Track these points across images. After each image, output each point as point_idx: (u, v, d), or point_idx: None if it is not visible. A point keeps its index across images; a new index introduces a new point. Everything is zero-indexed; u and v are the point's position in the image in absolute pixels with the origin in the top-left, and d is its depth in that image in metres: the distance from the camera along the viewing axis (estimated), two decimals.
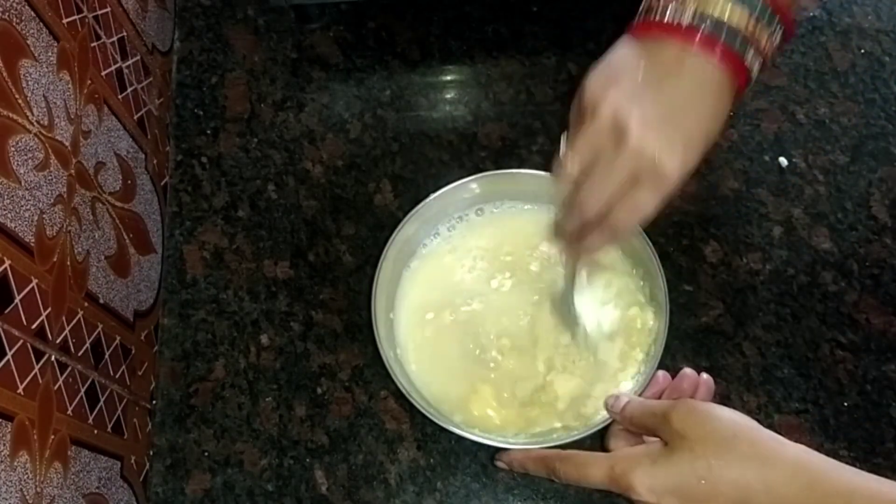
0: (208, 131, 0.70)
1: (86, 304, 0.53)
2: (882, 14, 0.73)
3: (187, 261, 0.66)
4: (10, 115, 0.45)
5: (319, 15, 0.73)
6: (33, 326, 0.46)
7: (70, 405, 0.49)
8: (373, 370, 0.62)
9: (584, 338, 0.58)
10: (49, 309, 0.48)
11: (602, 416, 0.54)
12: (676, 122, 0.45)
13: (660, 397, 0.53)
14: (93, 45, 0.58)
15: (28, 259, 0.46)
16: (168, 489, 0.59)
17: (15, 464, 0.42)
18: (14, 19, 0.46)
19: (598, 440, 0.53)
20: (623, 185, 0.46)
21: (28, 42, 0.48)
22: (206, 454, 0.60)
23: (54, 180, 0.50)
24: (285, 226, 0.67)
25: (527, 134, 0.69)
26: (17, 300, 0.44)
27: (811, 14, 0.63)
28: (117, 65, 0.62)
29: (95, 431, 0.53)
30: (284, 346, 0.63)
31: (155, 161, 0.68)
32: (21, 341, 0.44)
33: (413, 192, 0.67)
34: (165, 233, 0.68)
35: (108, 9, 0.62)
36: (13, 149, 0.45)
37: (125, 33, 0.65)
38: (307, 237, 0.66)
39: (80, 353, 0.52)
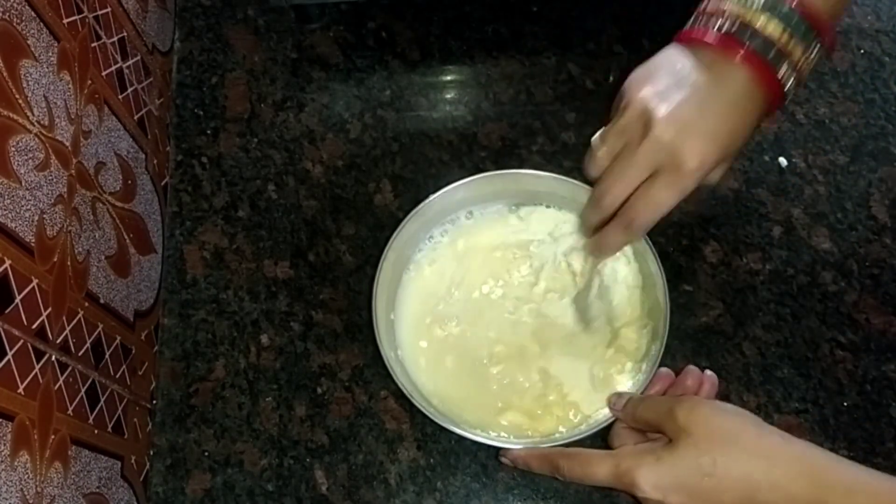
0: (208, 131, 0.70)
1: (86, 304, 0.53)
2: (882, 14, 0.74)
3: (187, 261, 0.66)
4: (11, 115, 0.45)
5: (319, 15, 0.74)
6: (34, 326, 0.46)
7: (70, 405, 0.50)
8: (373, 370, 0.62)
9: (601, 332, 0.58)
10: (49, 309, 0.48)
11: (605, 414, 0.54)
12: (702, 121, 0.47)
13: (663, 394, 0.53)
14: (93, 45, 0.58)
15: (28, 259, 0.46)
16: (168, 489, 0.59)
17: (15, 463, 0.42)
18: (14, 19, 0.46)
19: (598, 440, 0.53)
20: (642, 176, 0.48)
21: (28, 42, 0.48)
22: (207, 454, 0.60)
23: (55, 180, 0.50)
24: (285, 226, 0.67)
25: (527, 134, 0.69)
26: (17, 300, 0.44)
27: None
28: (118, 65, 0.62)
29: (96, 431, 0.53)
30: (284, 346, 0.63)
31: (155, 161, 0.69)
32: (21, 341, 0.44)
33: (413, 192, 0.67)
34: (166, 233, 0.68)
35: (109, 9, 0.62)
36: (13, 149, 0.45)
37: (125, 33, 0.65)
38: (307, 237, 0.66)
39: (80, 353, 0.52)
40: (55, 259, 0.49)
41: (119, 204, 0.60)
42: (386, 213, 0.67)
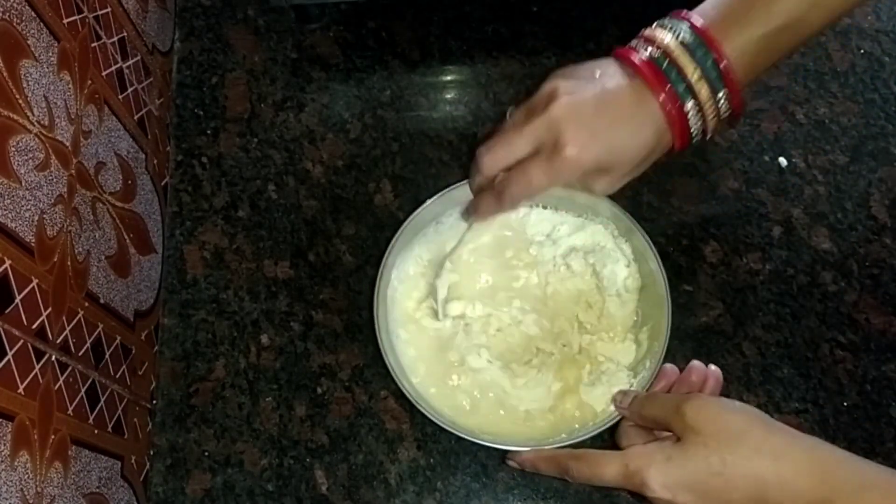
0: (208, 131, 0.70)
1: (86, 304, 0.53)
2: (882, 14, 0.74)
3: (187, 261, 0.66)
4: (11, 115, 0.45)
5: (319, 15, 0.74)
6: (34, 326, 0.46)
7: (70, 405, 0.50)
8: (373, 370, 0.62)
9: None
10: (49, 309, 0.48)
11: (610, 412, 0.54)
12: (596, 119, 0.50)
13: (669, 390, 0.53)
14: (93, 45, 0.58)
15: (28, 259, 0.46)
16: (168, 489, 0.59)
17: (15, 463, 0.42)
18: (14, 19, 0.46)
19: (598, 440, 0.53)
20: (524, 148, 0.51)
21: (28, 42, 0.48)
22: (207, 454, 0.60)
23: (55, 180, 0.50)
24: (285, 226, 0.67)
25: None
26: (17, 300, 0.44)
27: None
28: (118, 65, 0.62)
29: (96, 431, 0.53)
30: (284, 346, 0.63)
31: (155, 161, 0.69)
32: (21, 341, 0.44)
33: (413, 192, 0.67)
34: (166, 233, 0.68)
35: (109, 9, 0.62)
36: (14, 149, 0.45)
37: (125, 33, 0.65)
38: (307, 237, 0.66)
39: (80, 353, 0.52)
40: (55, 259, 0.49)
41: (119, 204, 0.60)
42: (386, 213, 0.67)
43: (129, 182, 0.63)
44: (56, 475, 0.47)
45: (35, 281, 0.46)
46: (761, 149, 0.69)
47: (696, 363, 0.53)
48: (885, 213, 0.66)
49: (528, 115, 0.52)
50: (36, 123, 0.48)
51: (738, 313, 0.63)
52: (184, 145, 0.70)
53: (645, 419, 0.50)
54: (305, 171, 0.69)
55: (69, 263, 0.51)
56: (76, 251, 0.52)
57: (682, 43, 0.50)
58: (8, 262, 0.44)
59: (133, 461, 0.58)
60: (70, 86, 0.53)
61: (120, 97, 0.62)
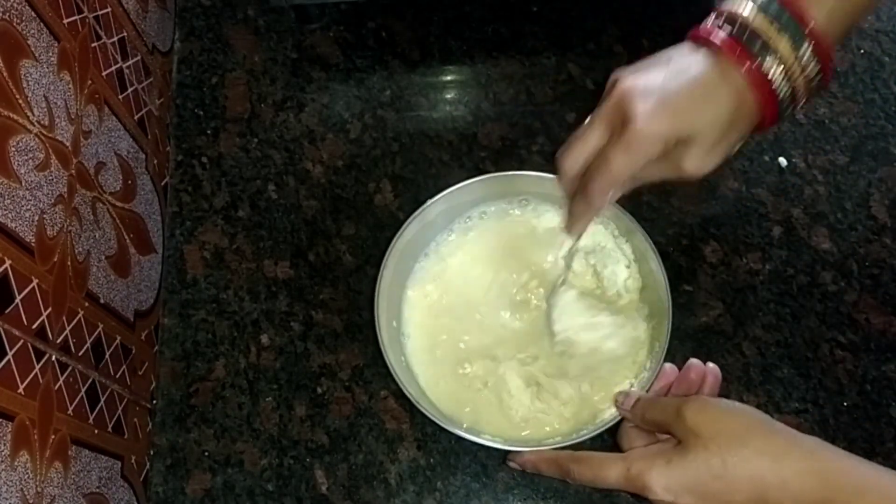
0: (208, 131, 0.70)
1: (86, 304, 0.53)
2: (882, 14, 0.74)
3: (187, 261, 0.66)
4: (11, 115, 0.45)
5: (319, 15, 0.74)
6: (34, 326, 0.46)
7: (70, 405, 0.50)
8: (373, 370, 0.62)
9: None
10: (49, 309, 0.48)
11: (611, 414, 0.54)
12: (671, 95, 0.48)
13: (668, 390, 0.53)
14: (93, 45, 0.58)
15: (29, 259, 0.46)
16: (168, 489, 0.59)
17: (15, 463, 0.42)
18: (14, 19, 0.46)
19: (597, 440, 0.53)
20: (598, 134, 0.49)
21: (29, 42, 0.48)
22: (207, 454, 0.60)
23: (55, 180, 0.50)
24: (285, 226, 0.67)
25: (527, 134, 0.69)
26: (17, 300, 0.44)
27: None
28: (118, 65, 0.62)
29: (96, 431, 0.53)
30: (284, 346, 0.63)
31: (155, 161, 0.69)
32: (21, 341, 0.44)
33: (413, 192, 0.67)
34: (166, 233, 0.68)
35: (109, 9, 0.62)
36: (14, 149, 0.45)
37: (125, 33, 0.65)
38: (307, 237, 0.66)
39: (80, 353, 0.52)
40: (55, 259, 0.49)
41: (119, 204, 0.60)
42: (386, 213, 0.67)
43: (129, 182, 0.63)
44: (56, 475, 0.47)
45: (35, 281, 0.46)
46: (761, 149, 0.69)
47: (694, 361, 0.53)
48: (885, 213, 0.66)
49: (597, 108, 0.50)
50: (36, 123, 0.48)
51: (738, 313, 0.63)
52: (184, 145, 0.70)
53: (646, 422, 0.50)
54: (305, 171, 0.69)
55: (69, 263, 0.51)
56: (76, 251, 0.52)
57: (758, 6, 0.47)
58: (8, 262, 0.44)
59: (133, 461, 0.58)
60: (70, 86, 0.53)
61: (120, 97, 0.62)
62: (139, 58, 0.67)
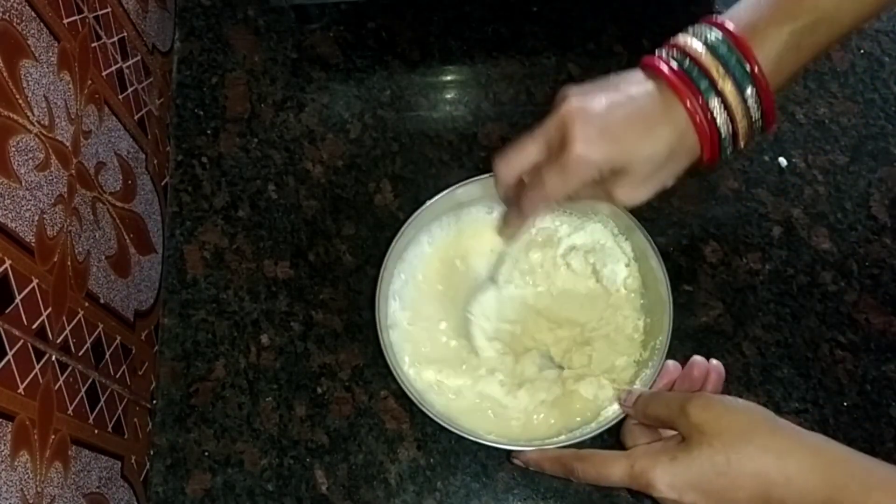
0: (208, 131, 0.70)
1: (86, 303, 0.53)
2: (882, 14, 0.73)
3: (187, 261, 0.66)
4: (11, 115, 0.45)
5: (319, 15, 0.74)
6: (34, 326, 0.46)
7: (70, 405, 0.50)
8: (373, 370, 0.62)
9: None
10: (49, 309, 0.48)
11: (613, 411, 0.54)
12: (609, 118, 0.48)
13: (671, 387, 0.53)
14: (93, 45, 0.58)
15: (29, 259, 0.46)
16: (168, 489, 0.59)
17: (15, 463, 0.42)
18: (14, 19, 0.46)
19: (598, 440, 0.53)
20: (536, 149, 0.50)
21: (29, 42, 0.48)
22: (207, 454, 0.60)
23: (55, 180, 0.50)
24: (285, 226, 0.67)
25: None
26: (17, 300, 0.44)
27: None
28: (118, 65, 0.62)
29: (96, 431, 0.53)
30: (284, 346, 0.63)
31: (155, 161, 0.69)
32: (21, 341, 0.44)
33: (413, 192, 0.67)
34: (166, 233, 0.68)
35: (109, 9, 0.62)
36: (14, 149, 0.45)
37: (125, 33, 0.65)
38: (307, 237, 0.66)
39: (80, 353, 0.52)
40: (55, 259, 0.49)
41: (119, 204, 0.60)
42: (386, 213, 0.67)
43: (129, 182, 0.63)
44: (56, 475, 0.47)
45: (35, 281, 0.46)
46: (761, 149, 0.69)
47: (697, 358, 0.53)
48: (885, 213, 0.66)
49: (542, 122, 0.51)
50: (36, 123, 0.48)
51: (738, 313, 0.63)
52: (184, 145, 0.70)
53: (650, 419, 0.50)
54: (305, 171, 0.69)
55: (69, 263, 0.51)
56: (76, 251, 0.52)
57: (708, 45, 0.48)
58: (8, 262, 0.44)
59: (133, 461, 0.58)
60: (70, 86, 0.53)
61: (120, 97, 0.62)
62: (139, 58, 0.68)
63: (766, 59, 0.47)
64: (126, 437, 0.57)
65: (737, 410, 0.46)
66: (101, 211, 0.57)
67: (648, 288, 0.58)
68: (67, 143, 0.52)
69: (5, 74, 0.45)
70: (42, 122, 0.49)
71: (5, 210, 0.44)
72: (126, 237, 0.61)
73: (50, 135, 0.50)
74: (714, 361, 0.53)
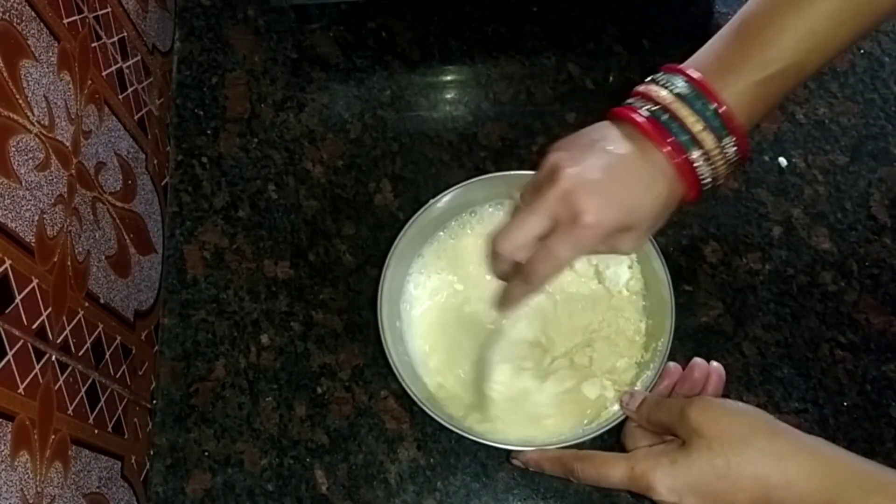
0: (208, 131, 0.70)
1: (86, 304, 0.53)
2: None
3: (188, 261, 0.66)
4: (11, 115, 0.45)
5: (319, 15, 0.74)
6: (34, 326, 0.46)
7: (70, 405, 0.50)
8: (373, 370, 0.62)
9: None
10: (49, 309, 0.48)
11: (614, 412, 0.54)
12: (606, 183, 0.48)
13: (672, 388, 0.53)
14: (93, 45, 0.58)
15: (29, 259, 0.46)
16: (168, 489, 0.59)
17: (15, 463, 0.42)
18: (14, 19, 0.46)
19: (598, 440, 0.53)
20: (541, 224, 0.49)
21: (28, 42, 0.48)
22: (207, 454, 0.60)
23: (55, 180, 0.50)
24: (285, 226, 0.67)
25: (527, 134, 0.69)
26: (17, 300, 0.44)
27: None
28: (118, 65, 0.62)
29: (96, 431, 0.53)
30: (284, 346, 0.63)
31: (155, 161, 0.69)
32: (21, 341, 0.44)
33: (413, 192, 0.67)
34: (166, 233, 0.68)
35: (109, 9, 0.62)
36: (14, 149, 0.45)
37: (126, 33, 0.65)
38: (307, 237, 0.66)
39: (80, 353, 0.52)
40: (55, 259, 0.49)
41: (119, 204, 0.60)
42: (386, 213, 0.67)
43: (129, 182, 0.63)
44: (56, 475, 0.47)
45: (35, 281, 0.46)
46: (761, 149, 0.69)
47: (698, 360, 0.53)
48: (885, 213, 0.66)
49: (535, 194, 0.50)
50: (36, 123, 0.48)
51: (738, 313, 0.63)
52: (184, 145, 0.70)
53: (650, 422, 0.50)
54: (305, 171, 0.69)
55: (69, 263, 0.51)
56: (76, 251, 0.52)
57: (678, 96, 0.48)
58: (8, 262, 0.44)
59: (133, 461, 0.58)
60: (70, 86, 0.53)
61: (120, 97, 0.62)
62: (139, 58, 0.68)
63: (734, 104, 0.48)
64: (126, 437, 0.57)
65: (736, 413, 0.46)
66: (101, 211, 0.57)
67: (650, 290, 0.58)
68: (67, 143, 0.52)
69: (5, 74, 0.45)
70: (42, 122, 0.49)
71: (5, 210, 0.44)
72: (126, 237, 0.61)
73: (50, 135, 0.50)
74: (714, 364, 0.53)
